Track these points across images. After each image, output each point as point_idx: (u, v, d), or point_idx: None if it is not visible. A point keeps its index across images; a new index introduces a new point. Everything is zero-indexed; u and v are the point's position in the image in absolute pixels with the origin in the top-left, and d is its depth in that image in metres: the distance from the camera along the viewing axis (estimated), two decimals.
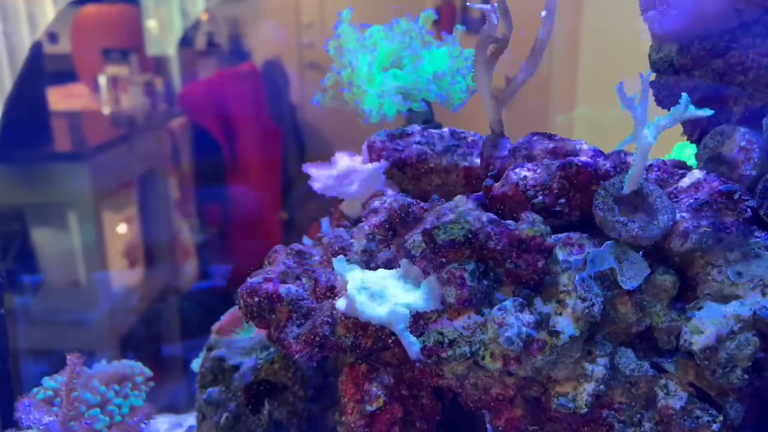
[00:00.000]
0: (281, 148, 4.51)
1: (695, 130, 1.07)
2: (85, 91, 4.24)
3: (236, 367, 1.08)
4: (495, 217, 0.88)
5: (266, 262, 1.01)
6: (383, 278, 0.91)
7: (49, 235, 3.33)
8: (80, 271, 3.33)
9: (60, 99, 4.04)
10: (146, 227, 3.82)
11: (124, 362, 1.37)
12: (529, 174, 0.92)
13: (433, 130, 1.10)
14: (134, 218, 3.73)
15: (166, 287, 3.82)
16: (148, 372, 1.35)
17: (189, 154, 4.12)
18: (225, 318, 1.21)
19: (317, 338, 0.90)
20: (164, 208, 3.95)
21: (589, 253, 0.87)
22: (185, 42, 4.35)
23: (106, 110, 4.03)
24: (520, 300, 0.86)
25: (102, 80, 4.02)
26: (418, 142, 1.08)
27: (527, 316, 0.85)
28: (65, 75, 4.15)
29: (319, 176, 1.04)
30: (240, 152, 4.14)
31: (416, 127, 1.10)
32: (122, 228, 3.55)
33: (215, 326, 1.21)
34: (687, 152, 1.30)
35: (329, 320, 0.90)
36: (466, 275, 0.86)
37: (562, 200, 0.91)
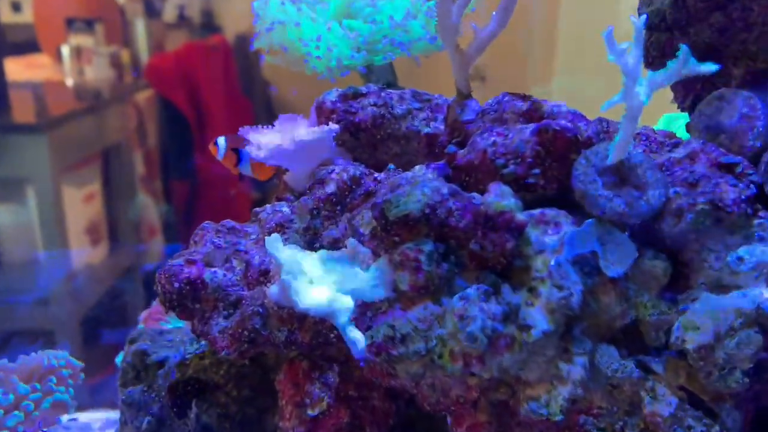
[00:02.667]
0: (252, 125, 4.33)
1: (688, 96, 0.93)
2: (48, 62, 4.04)
3: (161, 363, 0.93)
4: (457, 189, 0.73)
5: (192, 242, 0.86)
6: (325, 261, 0.76)
7: (5, 211, 3.15)
8: (39, 248, 3.16)
9: (21, 69, 3.84)
10: (110, 204, 3.65)
11: (51, 353, 1.22)
12: (498, 139, 0.77)
13: (392, 91, 0.95)
14: (97, 194, 3.55)
15: (129, 266, 3.66)
16: (78, 364, 1.20)
17: (156, 128, 3.94)
18: (154, 305, 1.06)
19: (246, 332, 0.75)
20: (129, 184, 3.78)
21: (567, 233, 0.73)
22: (153, 13, 4.16)
23: (69, 82, 3.83)
24: (486, 288, 0.71)
25: (65, 50, 3.82)
26: (375, 104, 0.92)
27: (493, 307, 0.70)
28: (27, 45, 3.96)
29: (258, 142, 0.89)
30: (209, 128, 3.97)
31: (372, 87, 0.95)
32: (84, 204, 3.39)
33: (143, 314, 1.05)
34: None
35: (260, 311, 0.75)
36: (422, 257, 0.71)
37: (537, 170, 0.76)
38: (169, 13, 4.43)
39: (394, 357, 0.73)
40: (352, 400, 0.82)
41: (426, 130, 0.93)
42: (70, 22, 4.03)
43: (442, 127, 0.93)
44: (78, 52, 3.83)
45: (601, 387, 0.75)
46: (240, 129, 0.93)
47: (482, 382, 0.77)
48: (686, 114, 1.08)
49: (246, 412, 0.87)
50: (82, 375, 1.19)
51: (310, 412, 0.80)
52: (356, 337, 0.71)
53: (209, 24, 4.51)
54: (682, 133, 0.95)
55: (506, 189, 0.72)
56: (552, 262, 0.71)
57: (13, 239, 3.20)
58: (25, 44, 4.00)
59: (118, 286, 3.55)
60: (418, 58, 1.08)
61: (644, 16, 0.67)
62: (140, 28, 3.94)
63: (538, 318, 0.71)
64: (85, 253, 3.39)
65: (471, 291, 0.71)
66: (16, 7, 4.06)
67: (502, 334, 0.70)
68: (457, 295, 0.71)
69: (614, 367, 0.74)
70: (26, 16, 4.04)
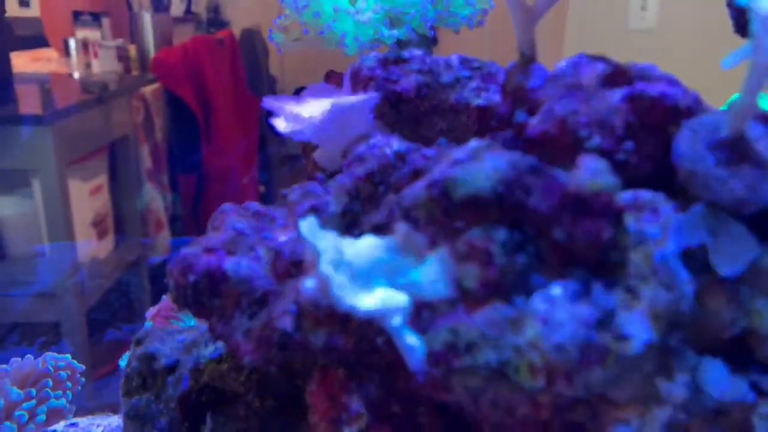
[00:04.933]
0: (259, 120, 4.22)
1: None
2: (54, 56, 3.89)
3: (171, 368, 0.76)
4: (537, 163, 0.57)
5: (210, 227, 0.69)
6: (371, 250, 0.60)
7: (10, 203, 2.99)
8: (44, 241, 3.00)
9: (27, 63, 3.68)
10: (116, 197, 3.50)
11: (50, 356, 1.06)
12: (581, 106, 0.61)
13: (438, 57, 0.79)
14: (103, 187, 3.39)
15: (136, 260, 3.50)
16: (79, 367, 1.05)
17: (163, 122, 3.79)
18: (164, 300, 0.90)
19: (276, 336, 0.59)
20: (136, 177, 3.62)
21: (671, 220, 0.57)
22: (161, 6, 4.00)
23: (76, 74, 3.67)
24: (575, 286, 0.55)
25: (72, 44, 3.66)
26: (419, 71, 0.76)
27: (586, 311, 0.54)
28: (34, 40, 3.81)
29: (283, 112, 0.73)
30: (216, 122, 3.81)
31: (416, 52, 0.79)
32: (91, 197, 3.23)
33: (151, 311, 0.89)
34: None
35: (293, 309, 0.59)
36: (493, 248, 0.55)
37: (629, 145, 0.60)
38: (177, 7, 4.28)
39: (455, 370, 0.57)
40: (395, 417, 0.66)
41: (477, 102, 0.77)
42: (76, 16, 3.88)
43: (495, 98, 0.77)
44: (85, 46, 3.67)
45: (702, 411, 0.59)
46: (264, 100, 0.77)
47: (556, 398, 0.61)
48: None
49: (270, 426, 0.71)
50: (83, 380, 1.03)
51: (347, 429, 0.64)
52: (414, 344, 0.55)
53: (217, 18, 4.37)
54: None
55: (603, 164, 0.56)
56: (657, 255, 0.55)
57: (17, 231, 3.04)
58: (33, 39, 3.87)
59: (124, 280, 3.40)
60: (457, 25, 0.92)
61: None
62: (147, 21, 3.78)
63: (640, 325, 0.54)
64: (91, 246, 3.24)
65: (557, 290, 0.55)
66: (24, 2, 3.91)
67: (594, 345, 0.54)
68: (539, 295, 0.55)
69: (723, 387, 0.58)
70: (33, 10, 3.91)
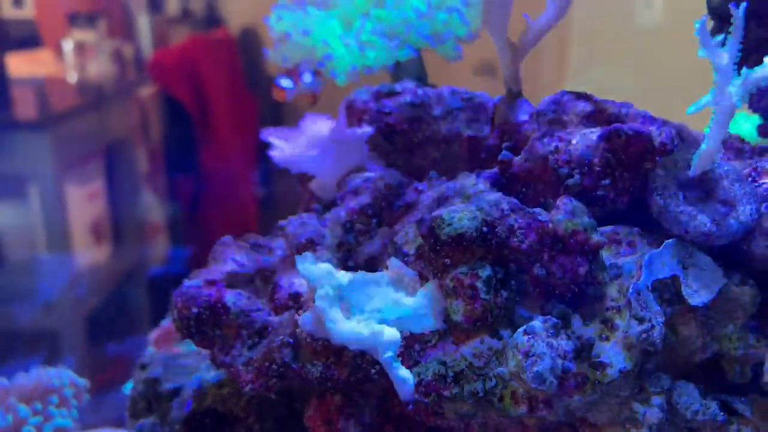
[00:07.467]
0: (258, 122, 4.26)
1: (766, 96, 0.83)
2: (50, 57, 3.94)
3: (175, 392, 0.83)
4: (518, 203, 0.63)
5: (211, 259, 0.75)
6: (364, 284, 0.66)
7: (6, 209, 3.05)
8: (42, 248, 3.06)
9: (22, 65, 3.74)
10: (113, 201, 3.55)
11: (53, 371, 1.11)
12: (561, 145, 0.67)
13: (429, 89, 0.85)
14: (101, 192, 3.45)
15: (133, 266, 3.56)
16: (82, 382, 1.10)
17: (159, 125, 3.84)
18: (166, 323, 0.96)
19: (275, 366, 0.65)
20: (133, 181, 3.67)
21: (644, 255, 0.63)
22: (157, 7, 4.05)
23: (71, 77, 3.72)
24: (554, 320, 0.61)
25: (67, 46, 3.72)
26: (411, 103, 0.82)
27: (564, 343, 0.60)
28: (29, 40, 3.86)
29: (281, 145, 0.79)
30: (214, 124, 3.86)
31: (408, 84, 0.85)
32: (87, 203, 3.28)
33: (153, 334, 0.95)
34: None
35: (290, 341, 0.65)
36: (479, 284, 0.61)
37: (606, 181, 0.66)
38: (173, 7, 4.33)
39: (445, 398, 0.63)
40: None
41: (468, 132, 0.83)
42: (72, 17, 3.93)
43: (485, 129, 0.83)
44: (80, 48, 3.73)
45: (676, 430, 0.65)
46: (262, 131, 0.83)
47: (541, 422, 0.67)
48: (745, 114, 0.98)
49: None
50: (87, 396, 1.09)
51: None
52: (405, 376, 0.61)
53: (213, 17, 4.40)
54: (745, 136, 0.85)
55: (578, 205, 0.61)
56: (631, 289, 0.61)
57: (14, 238, 3.09)
58: (27, 39, 3.91)
59: (122, 287, 3.45)
60: (461, 48, 0.96)
61: (744, 4, 0.57)
62: (143, 22, 3.83)
63: (615, 354, 0.60)
64: (89, 253, 3.29)
65: (537, 324, 0.61)
66: (18, 2, 3.96)
67: (572, 374, 0.60)
68: (521, 329, 0.61)
69: (695, 408, 0.64)
70: (28, 11, 3.95)
